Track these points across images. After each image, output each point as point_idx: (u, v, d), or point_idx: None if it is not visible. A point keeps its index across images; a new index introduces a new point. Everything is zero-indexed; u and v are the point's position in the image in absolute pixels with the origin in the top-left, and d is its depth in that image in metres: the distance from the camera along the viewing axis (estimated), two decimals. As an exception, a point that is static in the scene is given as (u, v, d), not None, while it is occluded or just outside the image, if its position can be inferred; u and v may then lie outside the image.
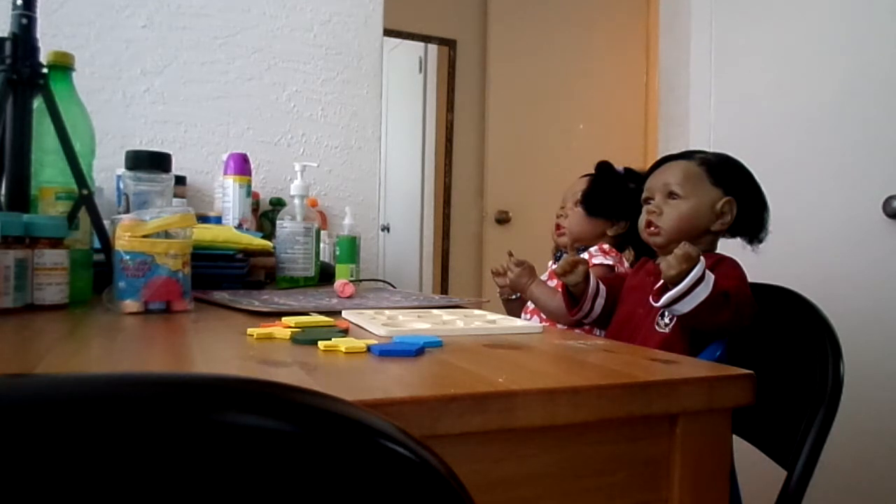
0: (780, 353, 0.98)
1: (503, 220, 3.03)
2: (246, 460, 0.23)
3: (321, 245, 1.48)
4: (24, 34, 0.94)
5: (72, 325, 0.76)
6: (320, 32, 1.81)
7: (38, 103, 0.95)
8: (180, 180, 1.55)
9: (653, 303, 0.93)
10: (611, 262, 1.29)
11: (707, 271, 0.89)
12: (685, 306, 0.89)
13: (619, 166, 1.34)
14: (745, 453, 0.91)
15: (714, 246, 1.10)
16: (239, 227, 1.45)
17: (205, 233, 1.18)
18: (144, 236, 0.83)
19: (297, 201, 1.34)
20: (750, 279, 1.00)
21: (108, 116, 1.57)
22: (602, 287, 1.13)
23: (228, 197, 1.49)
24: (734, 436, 0.60)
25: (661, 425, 0.50)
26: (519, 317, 1.35)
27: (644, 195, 1.12)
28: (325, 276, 1.44)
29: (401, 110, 3.44)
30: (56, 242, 0.88)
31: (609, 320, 1.14)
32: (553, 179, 2.06)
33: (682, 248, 0.89)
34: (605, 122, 3.14)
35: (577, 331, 1.17)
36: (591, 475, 0.48)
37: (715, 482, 0.52)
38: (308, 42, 1.79)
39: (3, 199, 0.94)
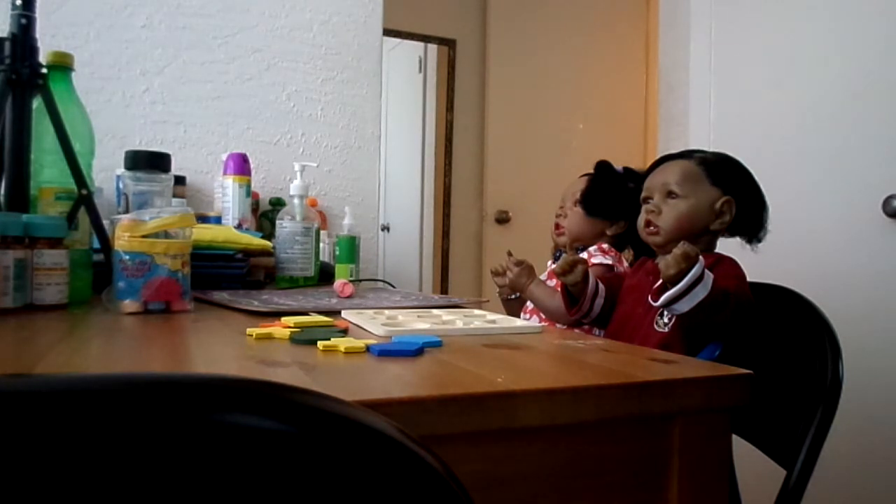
0: (780, 353, 0.98)
1: (503, 219, 3.03)
2: (244, 460, 0.23)
3: (321, 245, 1.48)
4: (24, 34, 0.94)
5: (71, 325, 0.76)
6: (320, 32, 1.81)
7: (37, 103, 0.95)
8: (180, 180, 1.55)
9: (652, 302, 0.93)
10: (610, 262, 1.29)
11: (706, 271, 0.90)
12: (684, 306, 0.89)
13: (618, 166, 1.34)
14: (745, 453, 0.91)
15: (713, 245, 1.10)
16: (238, 227, 1.45)
17: (204, 233, 1.18)
18: (144, 236, 0.83)
19: (296, 201, 1.34)
20: (749, 278, 1.00)
21: (107, 116, 1.57)
22: (601, 287, 1.13)
23: (228, 197, 1.49)
24: (734, 436, 0.60)
25: (661, 425, 0.50)
26: (518, 316, 1.35)
27: (643, 195, 1.12)
28: (324, 275, 1.44)
29: (401, 110, 3.44)
30: (55, 242, 0.88)
31: (608, 320, 1.14)
32: (553, 179, 2.06)
33: (681, 248, 0.89)
34: (605, 122, 3.14)
35: (576, 330, 1.17)
36: (591, 475, 0.48)
37: (714, 482, 0.52)
38: (307, 42, 1.79)
39: (2, 199, 0.94)
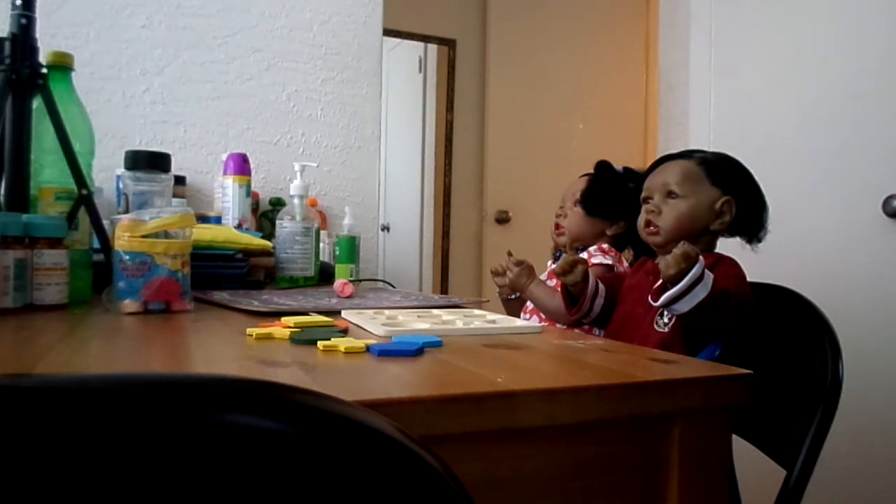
0: (780, 353, 0.98)
1: (503, 219, 3.03)
2: (245, 460, 0.23)
3: (321, 245, 1.48)
4: (24, 34, 0.94)
5: (71, 325, 0.76)
6: (320, 32, 1.81)
7: (37, 104, 0.95)
8: (180, 180, 1.55)
9: (652, 302, 0.93)
10: (610, 262, 1.29)
11: (706, 271, 0.90)
12: (684, 306, 0.89)
13: (618, 166, 1.34)
14: (745, 453, 0.91)
15: (713, 245, 1.10)
16: (238, 227, 1.45)
17: (204, 233, 1.18)
18: (144, 236, 0.83)
19: (296, 201, 1.34)
20: (749, 278, 1.00)
21: (107, 116, 1.57)
22: (601, 287, 1.13)
23: (228, 197, 1.49)
24: (734, 436, 0.60)
25: (661, 425, 0.50)
26: (518, 316, 1.35)
27: (643, 195, 1.12)
28: (324, 276, 1.44)
29: (401, 110, 3.44)
30: (55, 242, 0.88)
31: (608, 320, 1.14)
32: (553, 179, 2.06)
33: (681, 248, 0.89)
34: (605, 122, 3.14)
35: (576, 330, 1.17)
36: (591, 475, 0.48)
37: (714, 482, 0.52)
38: (307, 42, 1.79)
39: (2, 199, 0.94)
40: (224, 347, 0.63)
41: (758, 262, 1.08)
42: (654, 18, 3.04)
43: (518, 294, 1.35)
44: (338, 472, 0.24)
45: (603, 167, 1.33)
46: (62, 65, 0.99)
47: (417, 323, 0.74)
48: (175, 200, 1.29)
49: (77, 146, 0.94)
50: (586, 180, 1.37)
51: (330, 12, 1.82)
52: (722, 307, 0.90)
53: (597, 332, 1.20)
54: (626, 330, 1.07)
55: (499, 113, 3.05)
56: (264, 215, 1.69)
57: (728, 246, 1.10)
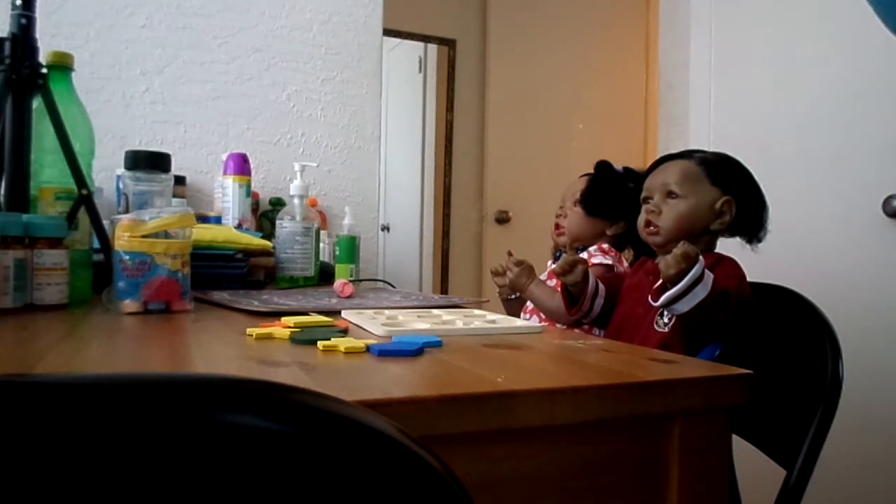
0: (780, 353, 0.98)
1: (503, 219, 3.03)
2: (244, 460, 0.23)
3: (321, 245, 1.48)
4: (24, 34, 0.94)
5: (71, 325, 0.76)
6: (320, 32, 1.81)
7: (37, 103, 0.95)
8: (180, 180, 1.55)
9: (652, 302, 0.93)
10: (610, 262, 1.29)
11: (706, 271, 0.89)
12: (684, 306, 0.89)
13: (618, 166, 1.34)
14: (745, 453, 0.91)
15: (713, 245, 1.10)
16: (238, 227, 1.45)
17: (204, 233, 1.18)
18: (144, 236, 0.83)
19: (296, 201, 1.34)
20: (749, 278, 1.00)
21: (107, 116, 1.57)
22: (601, 287, 1.13)
23: (228, 197, 1.49)
24: (734, 436, 0.60)
25: (661, 425, 0.50)
26: (518, 316, 1.35)
27: (643, 195, 1.12)
28: (324, 275, 1.44)
29: (401, 110, 3.44)
30: (55, 242, 0.88)
31: (608, 320, 1.14)
32: (553, 179, 2.06)
33: (681, 248, 0.89)
34: (605, 122, 3.14)
35: (576, 330, 1.17)
36: (591, 475, 0.48)
37: (714, 482, 0.52)
38: (307, 42, 1.79)
39: (2, 199, 0.94)
40: (224, 347, 0.63)
41: (758, 262, 1.08)
42: (654, 18, 3.04)
43: (518, 294, 1.35)
44: (338, 472, 0.24)
45: (603, 167, 1.33)
46: (62, 65, 0.99)
47: (417, 323, 0.74)
48: (175, 200, 1.29)
49: (77, 146, 0.95)
50: (586, 180, 1.37)
51: (330, 12, 1.82)
52: (722, 307, 0.90)
53: (597, 332, 1.20)
54: (626, 330, 1.07)
55: (499, 113, 3.05)
56: (264, 215, 1.69)
57: (728, 246, 1.10)
